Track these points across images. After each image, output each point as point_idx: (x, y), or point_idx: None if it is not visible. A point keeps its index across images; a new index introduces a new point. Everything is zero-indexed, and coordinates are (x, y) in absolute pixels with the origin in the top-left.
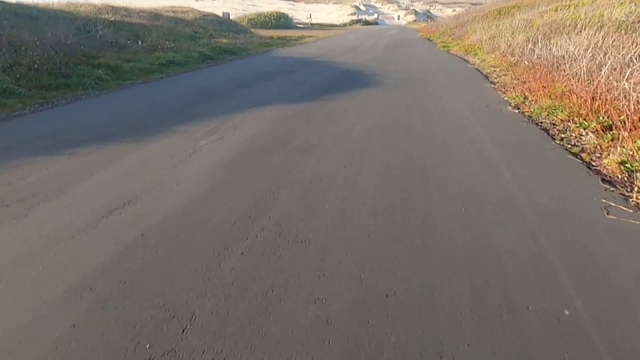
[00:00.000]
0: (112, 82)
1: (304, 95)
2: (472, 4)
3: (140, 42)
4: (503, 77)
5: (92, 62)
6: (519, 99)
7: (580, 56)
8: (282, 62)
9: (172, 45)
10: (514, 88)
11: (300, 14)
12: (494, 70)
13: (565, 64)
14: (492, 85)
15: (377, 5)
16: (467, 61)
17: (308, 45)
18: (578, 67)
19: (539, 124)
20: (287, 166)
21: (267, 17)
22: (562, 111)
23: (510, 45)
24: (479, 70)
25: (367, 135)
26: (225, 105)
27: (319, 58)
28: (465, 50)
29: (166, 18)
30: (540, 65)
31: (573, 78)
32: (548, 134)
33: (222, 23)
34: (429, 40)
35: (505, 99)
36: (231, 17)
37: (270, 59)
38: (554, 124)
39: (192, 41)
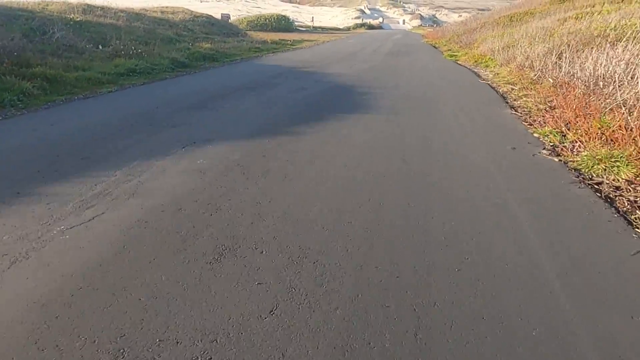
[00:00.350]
0: (42, 98)
1: (269, 124)
2: (479, 10)
3: (99, 47)
4: (524, 98)
5: (25, 71)
6: (555, 136)
7: (630, 77)
8: (265, 73)
9: (142, 50)
10: (542, 117)
11: (304, 16)
12: (512, 89)
13: (608, 86)
14: (513, 112)
15: (383, 9)
16: (478, 75)
17: (303, 51)
18: (628, 93)
19: (596, 188)
20: (154, 312)
21: (267, 20)
22: (626, 165)
23: (528, 58)
24: (494, 88)
25: (333, 215)
26: (152, 142)
27: (309, 67)
28: (475, 61)
29: (148, 19)
30: (572, 86)
31: (624, 107)
32: (616, 210)
33: (215, 25)
34: (434, 47)
35: (535, 134)
36: (231, 19)
37: (253, 67)
38: (618, 189)
39: (170, 45)
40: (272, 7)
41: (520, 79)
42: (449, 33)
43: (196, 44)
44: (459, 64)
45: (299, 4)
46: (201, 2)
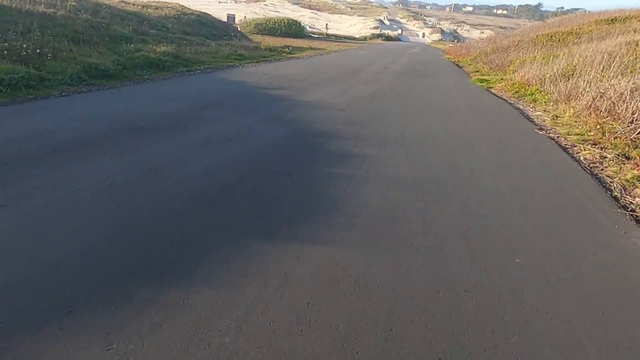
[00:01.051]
0: None
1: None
2: (502, 28)
3: None
4: (637, 185)
5: None
6: None
7: None
8: (208, 95)
9: (51, 50)
10: None
11: (321, 23)
12: (602, 158)
13: None
14: None
15: (403, 20)
16: (527, 117)
17: (296, 63)
18: None
19: None
20: None
21: (276, 23)
22: None
23: (604, 96)
24: (567, 150)
25: None
26: None
27: (284, 89)
28: (516, 92)
29: (112, 11)
30: None
31: None
32: None
33: (205, 25)
34: (457, 66)
35: None
36: (242, 20)
37: (204, 84)
38: None
39: (116, 44)
40: (291, 12)
41: (602, 135)
42: (474, 50)
43: (154, 46)
44: (494, 94)
45: (318, 10)
46: (219, 2)
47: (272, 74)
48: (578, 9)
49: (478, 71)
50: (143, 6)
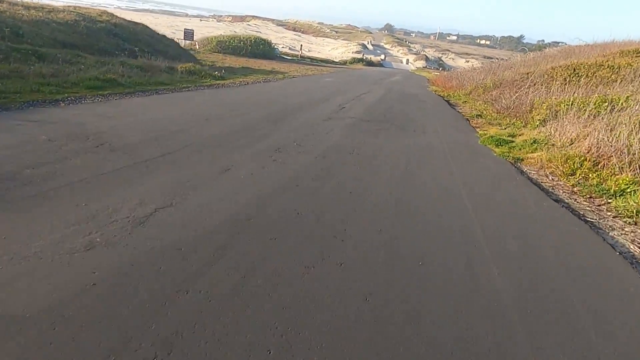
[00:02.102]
0: None
1: None
2: (486, 57)
3: None
4: None
5: None
6: None
7: None
8: None
9: None
10: None
11: (303, 45)
12: None
13: None
14: None
15: (387, 46)
16: None
17: (203, 96)
18: None
19: None
20: None
21: (241, 42)
22: None
23: None
24: None
25: None
26: None
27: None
28: (577, 179)
29: None
30: None
31: None
32: None
33: (117, 35)
34: (449, 104)
35: None
36: (207, 36)
37: None
38: None
39: None
40: (274, 33)
41: None
42: (469, 82)
43: None
44: (537, 184)
45: (302, 32)
46: (200, 20)
47: (84, 131)
48: (559, 42)
49: (481, 115)
50: (37, 9)
